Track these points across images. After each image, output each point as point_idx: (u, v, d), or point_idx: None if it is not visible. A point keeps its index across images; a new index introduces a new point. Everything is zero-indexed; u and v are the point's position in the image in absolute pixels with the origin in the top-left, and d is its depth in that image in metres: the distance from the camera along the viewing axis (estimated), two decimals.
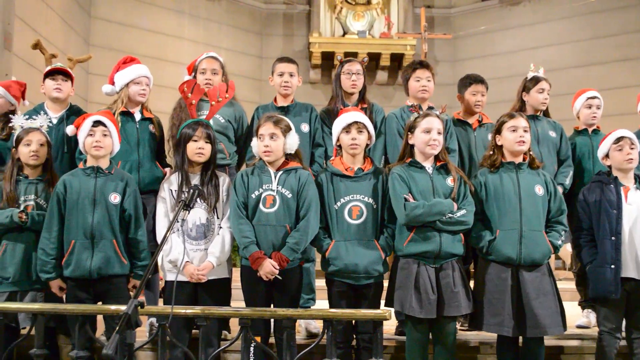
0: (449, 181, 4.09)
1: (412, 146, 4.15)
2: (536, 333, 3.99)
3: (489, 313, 4.03)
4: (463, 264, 4.18)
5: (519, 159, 4.20)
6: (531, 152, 4.28)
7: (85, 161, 4.23)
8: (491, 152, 4.28)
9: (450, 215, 3.96)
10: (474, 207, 4.08)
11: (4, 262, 4.16)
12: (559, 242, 4.11)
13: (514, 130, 4.16)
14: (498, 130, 4.25)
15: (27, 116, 4.51)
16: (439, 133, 4.09)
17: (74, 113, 4.85)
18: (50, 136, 4.62)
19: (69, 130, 4.34)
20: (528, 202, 4.08)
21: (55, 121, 4.80)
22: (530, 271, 4.04)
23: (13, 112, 4.96)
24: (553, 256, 4.34)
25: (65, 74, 4.91)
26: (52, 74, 4.87)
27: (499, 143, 4.24)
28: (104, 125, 4.16)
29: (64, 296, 4.20)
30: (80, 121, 4.20)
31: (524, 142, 4.15)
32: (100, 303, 4.16)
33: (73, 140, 4.61)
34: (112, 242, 4.08)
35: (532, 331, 3.97)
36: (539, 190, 4.14)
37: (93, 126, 4.13)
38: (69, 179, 4.15)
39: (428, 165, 4.12)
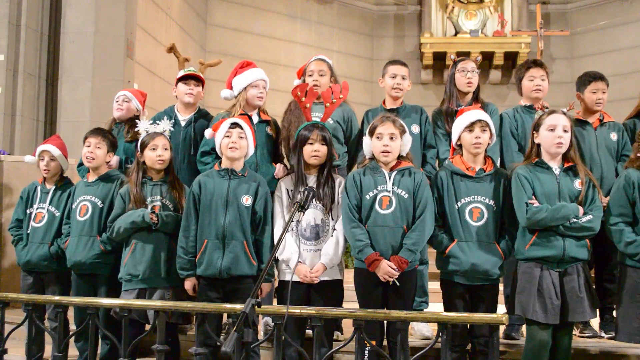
0: (577, 184, 3.89)
1: (539, 146, 3.99)
2: None
3: None
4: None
5: None
6: None
7: (220, 163, 4.34)
8: (639, 154, 4.01)
9: (574, 219, 3.79)
10: (601, 212, 3.87)
11: (134, 260, 4.33)
12: None
13: None
14: None
15: (151, 121, 4.69)
16: (565, 131, 3.90)
17: (202, 116, 5.04)
18: (177, 138, 4.80)
19: (207, 133, 4.50)
20: None
21: (183, 124, 5.01)
22: None
23: (137, 117, 5.23)
24: None
25: (197, 79, 5.10)
26: (185, 78, 5.07)
27: None
28: (241, 127, 4.27)
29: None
30: (219, 124, 4.33)
31: None
32: None
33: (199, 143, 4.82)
34: (243, 243, 4.15)
35: None
36: None
37: (230, 128, 4.25)
38: (204, 180, 4.28)
39: (555, 166, 3.94)
